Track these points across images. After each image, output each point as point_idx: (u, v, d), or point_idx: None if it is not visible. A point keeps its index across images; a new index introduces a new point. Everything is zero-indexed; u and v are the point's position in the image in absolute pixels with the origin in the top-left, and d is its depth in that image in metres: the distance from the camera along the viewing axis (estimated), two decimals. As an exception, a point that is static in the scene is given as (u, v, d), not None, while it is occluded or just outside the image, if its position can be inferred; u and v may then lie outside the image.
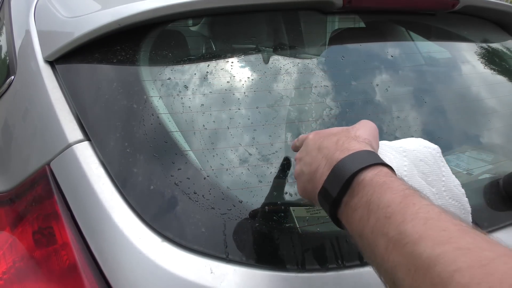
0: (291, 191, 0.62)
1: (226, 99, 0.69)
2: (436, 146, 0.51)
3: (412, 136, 0.74)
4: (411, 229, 0.31)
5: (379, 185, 0.36)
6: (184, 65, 0.72)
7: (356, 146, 0.40)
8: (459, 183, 0.49)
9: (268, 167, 0.63)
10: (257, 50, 0.78)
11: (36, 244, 0.62)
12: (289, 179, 0.63)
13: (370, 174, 0.37)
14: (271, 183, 0.62)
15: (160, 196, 0.56)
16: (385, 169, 0.38)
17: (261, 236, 0.56)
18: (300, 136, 0.56)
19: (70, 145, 0.61)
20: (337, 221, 0.41)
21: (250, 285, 0.52)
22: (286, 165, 0.65)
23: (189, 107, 0.67)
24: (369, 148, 0.40)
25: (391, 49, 0.89)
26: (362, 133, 0.45)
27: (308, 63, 0.79)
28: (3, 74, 0.91)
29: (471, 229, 0.31)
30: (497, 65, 1.01)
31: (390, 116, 0.76)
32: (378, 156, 0.39)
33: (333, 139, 0.43)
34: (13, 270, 0.61)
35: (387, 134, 0.73)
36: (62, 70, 0.71)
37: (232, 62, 0.74)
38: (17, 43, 0.85)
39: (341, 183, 0.38)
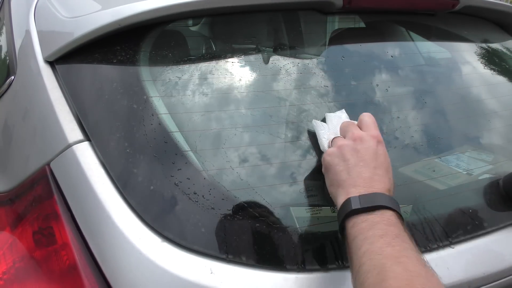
0: (291, 191, 0.62)
1: (226, 99, 0.69)
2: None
3: (412, 137, 0.74)
4: (388, 250, 0.45)
5: (391, 220, 0.49)
6: (184, 65, 0.72)
7: (389, 193, 0.54)
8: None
9: (268, 167, 0.63)
10: (257, 50, 0.78)
11: (36, 244, 0.62)
12: (290, 179, 0.63)
13: (390, 212, 0.50)
14: (271, 183, 0.62)
15: (160, 196, 0.56)
16: (400, 218, 0.51)
17: (261, 236, 0.56)
18: (356, 130, 0.61)
19: (70, 145, 0.61)
20: (342, 222, 0.52)
21: (250, 285, 0.52)
22: (286, 165, 0.65)
23: (189, 107, 0.67)
24: (392, 197, 0.53)
25: (391, 49, 0.89)
26: (390, 183, 0.56)
27: (308, 63, 0.79)
28: (3, 74, 0.91)
29: (426, 265, 0.45)
30: (497, 65, 1.01)
31: (390, 116, 0.76)
32: (399, 207, 0.52)
33: (380, 172, 0.56)
34: (13, 270, 0.61)
35: (387, 134, 0.73)
36: (62, 70, 0.71)
37: (232, 62, 0.74)
38: (17, 43, 0.85)
39: (371, 204, 0.50)
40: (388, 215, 0.50)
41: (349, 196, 0.52)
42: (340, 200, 0.53)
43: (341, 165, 0.56)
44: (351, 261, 0.48)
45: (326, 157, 0.59)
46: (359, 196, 0.51)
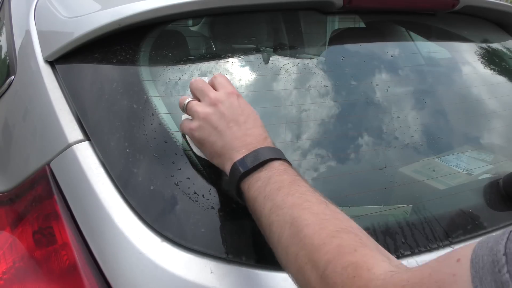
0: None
1: (226, 99, 0.69)
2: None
3: (412, 136, 0.74)
4: (289, 199, 0.46)
5: (281, 169, 0.50)
6: (184, 65, 0.72)
7: (267, 143, 0.54)
8: None
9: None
10: (257, 50, 0.78)
11: (36, 244, 0.62)
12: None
13: (277, 162, 0.51)
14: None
15: (160, 196, 0.56)
16: (287, 163, 0.52)
17: (261, 236, 0.56)
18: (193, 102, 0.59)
19: (70, 145, 0.61)
20: (238, 188, 0.52)
21: (250, 285, 0.52)
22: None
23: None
24: (274, 146, 0.54)
25: (391, 49, 0.89)
26: (264, 131, 0.56)
27: (308, 63, 0.79)
28: (3, 74, 0.91)
29: (327, 203, 0.46)
30: (497, 65, 1.01)
31: (390, 116, 0.76)
32: (282, 153, 0.53)
33: (250, 125, 0.56)
34: (13, 270, 0.61)
35: (387, 134, 0.73)
36: (62, 70, 0.71)
37: (232, 62, 0.74)
38: (17, 43, 0.85)
39: (258, 161, 0.51)
40: (277, 165, 0.51)
41: (234, 161, 0.52)
42: (227, 167, 0.53)
43: (212, 134, 0.55)
44: (259, 221, 0.49)
45: (195, 134, 0.57)
46: (244, 157, 0.52)
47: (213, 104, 0.57)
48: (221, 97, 0.57)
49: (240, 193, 0.53)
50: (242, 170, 0.51)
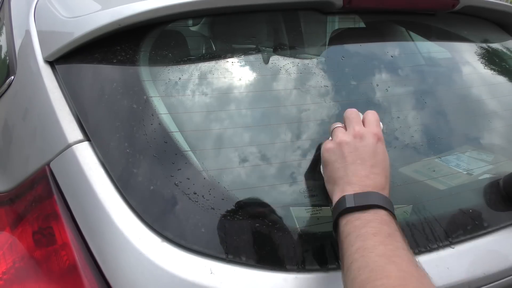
0: (291, 191, 0.62)
1: (226, 99, 0.69)
2: None
3: (412, 136, 0.74)
4: (381, 248, 0.45)
5: (384, 219, 0.50)
6: (184, 65, 0.72)
7: (384, 192, 0.54)
8: None
9: (268, 167, 0.63)
10: (257, 50, 0.78)
11: (36, 244, 0.62)
12: (290, 179, 0.63)
13: (383, 212, 0.51)
14: (271, 183, 0.62)
15: (160, 196, 0.56)
16: (393, 217, 0.52)
17: (261, 236, 0.56)
18: (356, 127, 0.61)
19: (70, 145, 0.61)
20: (336, 220, 0.53)
21: (250, 285, 0.52)
22: (286, 165, 0.65)
23: (189, 107, 0.67)
24: (387, 196, 0.54)
25: (391, 49, 0.89)
26: (386, 182, 0.56)
27: (308, 63, 0.79)
28: (3, 74, 0.91)
29: (418, 266, 0.44)
30: (497, 65, 1.01)
31: (390, 116, 0.76)
32: (393, 206, 0.53)
33: (376, 170, 0.56)
34: (13, 271, 0.61)
35: (387, 134, 0.73)
36: (62, 70, 0.70)
37: (232, 62, 0.74)
38: (17, 43, 0.85)
39: (365, 203, 0.51)
40: (382, 214, 0.50)
41: (344, 194, 0.53)
42: (335, 198, 0.54)
43: (338, 162, 0.57)
44: (342, 258, 0.49)
45: (324, 153, 0.60)
46: (354, 194, 0.52)
47: (354, 136, 0.59)
48: (363, 134, 0.59)
49: (336, 225, 0.53)
50: (347, 205, 0.51)
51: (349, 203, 0.51)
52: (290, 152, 0.66)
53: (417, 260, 0.46)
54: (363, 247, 0.46)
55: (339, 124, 0.64)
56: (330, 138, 0.63)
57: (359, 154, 0.56)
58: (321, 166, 0.63)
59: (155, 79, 0.68)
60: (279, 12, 0.84)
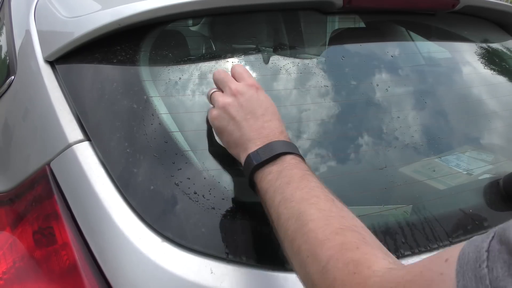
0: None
1: (226, 99, 0.69)
2: None
3: (412, 136, 0.74)
4: (298, 194, 0.47)
5: (292, 164, 0.51)
6: (184, 65, 0.72)
7: (283, 137, 0.56)
8: None
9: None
10: (257, 50, 0.78)
11: (36, 244, 0.62)
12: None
13: (289, 157, 0.52)
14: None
15: (160, 196, 0.56)
16: (299, 157, 0.53)
17: (261, 236, 0.57)
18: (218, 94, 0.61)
19: (70, 145, 0.61)
20: (251, 179, 0.54)
21: (250, 285, 0.52)
22: None
23: (189, 107, 0.67)
24: (289, 140, 0.55)
25: (391, 49, 0.89)
26: (280, 124, 0.57)
27: (308, 63, 0.79)
28: (3, 74, 0.91)
29: (334, 200, 0.47)
30: (497, 65, 1.01)
31: (390, 116, 0.76)
32: (296, 147, 0.55)
33: (267, 117, 0.57)
34: (13, 270, 0.61)
35: (387, 134, 0.73)
36: (62, 70, 0.70)
37: (232, 62, 0.74)
38: (17, 43, 0.85)
39: (271, 155, 0.52)
40: (289, 159, 0.52)
41: (248, 153, 0.54)
42: (242, 158, 0.55)
43: (230, 124, 0.57)
44: (268, 213, 0.51)
45: (214, 122, 0.59)
46: (258, 150, 0.53)
47: (233, 95, 0.58)
48: (241, 89, 0.59)
49: (253, 184, 0.54)
50: (255, 162, 0.52)
51: (256, 160, 0.52)
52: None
53: (331, 193, 0.48)
54: (283, 199, 0.48)
55: (214, 89, 0.63)
56: (211, 106, 0.62)
57: (246, 109, 0.57)
58: (215, 136, 0.62)
59: (155, 79, 0.68)
60: (279, 12, 0.84)
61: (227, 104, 0.58)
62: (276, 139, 0.54)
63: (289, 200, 0.47)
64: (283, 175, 0.50)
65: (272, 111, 0.58)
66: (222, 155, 0.62)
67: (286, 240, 0.46)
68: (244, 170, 0.55)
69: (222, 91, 0.61)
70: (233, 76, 0.62)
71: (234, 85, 0.59)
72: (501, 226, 0.31)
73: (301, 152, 0.62)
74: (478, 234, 0.65)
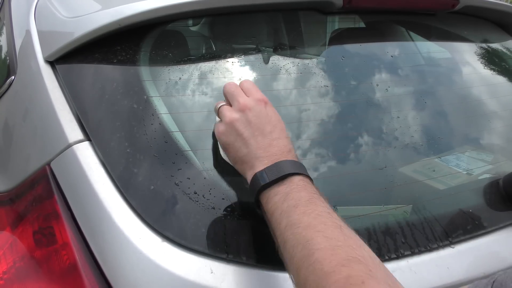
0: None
1: (226, 99, 0.69)
2: None
3: (412, 137, 0.74)
4: (305, 219, 0.46)
5: (300, 186, 0.50)
6: (184, 65, 0.72)
7: (291, 156, 0.54)
8: None
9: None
10: (257, 50, 0.78)
11: (36, 244, 0.62)
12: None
13: (297, 178, 0.51)
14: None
15: (161, 196, 0.57)
16: (307, 179, 0.52)
17: (261, 236, 0.57)
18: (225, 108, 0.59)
19: (70, 145, 0.61)
20: (257, 199, 0.53)
21: (250, 285, 0.52)
22: None
23: (190, 107, 0.67)
24: (297, 160, 0.54)
25: (391, 49, 0.89)
26: (289, 143, 0.56)
27: (308, 63, 0.79)
28: (3, 74, 0.91)
29: (342, 227, 0.45)
30: (497, 65, 1.01)
31: (390, 116, 0.76)
32: (304, 167, 0.53)
33: (276, 135, 0.56)
34: (14, 270, 0.61)
35: (387, 134, 0.73)
36: (62, 70, 0.71)
37: (232, 62, 0.74)
38: (17, 43, 0.85)
39: (278, 175, 0.51)
40: (297, 181, 0.51)
41: (255, 172, 0.52)
42: (248, 176, 0.54)
43: (237, 141, 0.56)
44: (274, 235, 0.49)
45: (221, 138, 0.58)
46: (265, 169, 0.52)
47: (241, 110, 0.57)
48: (249, 104, 0.57)
49: (259, 204, 0.53)
50: (262, 182, 0.51)
51: (263, 180, 0.51)
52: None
53: (339, 217, 0.47)
54: (290, 223, 0.46)
55: (222, 103, 0.61)
56: (219, 119, 0.60)
57: (254, 126, 0.55)
58: (221, 151, 0.61)
59: (155, 79, 0.68)
60: (279, 12, 0.84)
61: (235, 120, 0.56)
62: (284, 159, 0.53)
63: (296, 226, 0.46)
64: (290, 198, 0.49)
65: (281, 128, 0.57)
66: (225, 161, 0.62)
67: (292, 267, 0.45)
68: (250, 189, 0.53)
69: (231, 105, 0.59)
70: (242, 90, 0.60)
71: (242, 99, 0.58)
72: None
73: (301, 152, 0.62)
74: (478, 234, 0.66)
